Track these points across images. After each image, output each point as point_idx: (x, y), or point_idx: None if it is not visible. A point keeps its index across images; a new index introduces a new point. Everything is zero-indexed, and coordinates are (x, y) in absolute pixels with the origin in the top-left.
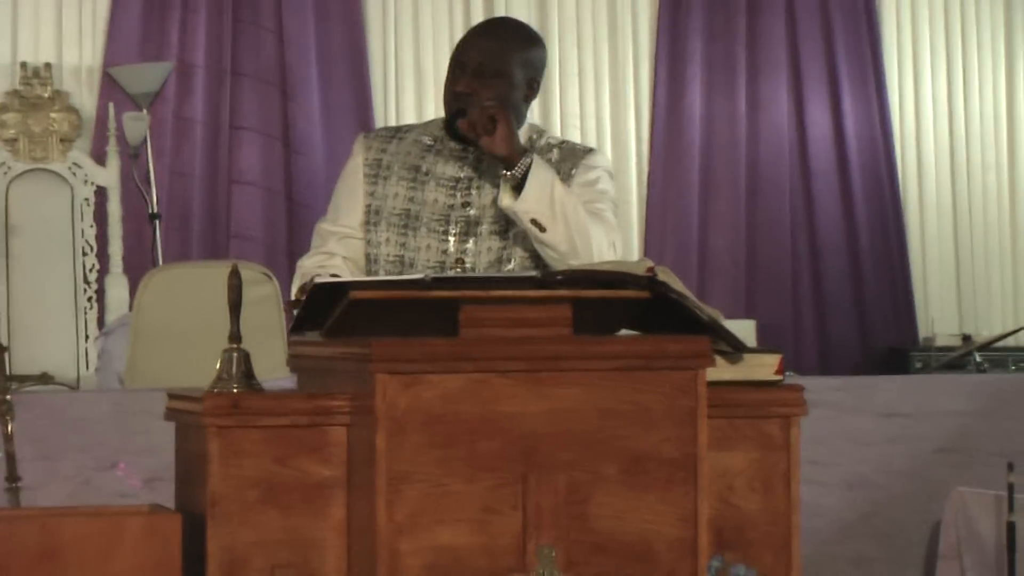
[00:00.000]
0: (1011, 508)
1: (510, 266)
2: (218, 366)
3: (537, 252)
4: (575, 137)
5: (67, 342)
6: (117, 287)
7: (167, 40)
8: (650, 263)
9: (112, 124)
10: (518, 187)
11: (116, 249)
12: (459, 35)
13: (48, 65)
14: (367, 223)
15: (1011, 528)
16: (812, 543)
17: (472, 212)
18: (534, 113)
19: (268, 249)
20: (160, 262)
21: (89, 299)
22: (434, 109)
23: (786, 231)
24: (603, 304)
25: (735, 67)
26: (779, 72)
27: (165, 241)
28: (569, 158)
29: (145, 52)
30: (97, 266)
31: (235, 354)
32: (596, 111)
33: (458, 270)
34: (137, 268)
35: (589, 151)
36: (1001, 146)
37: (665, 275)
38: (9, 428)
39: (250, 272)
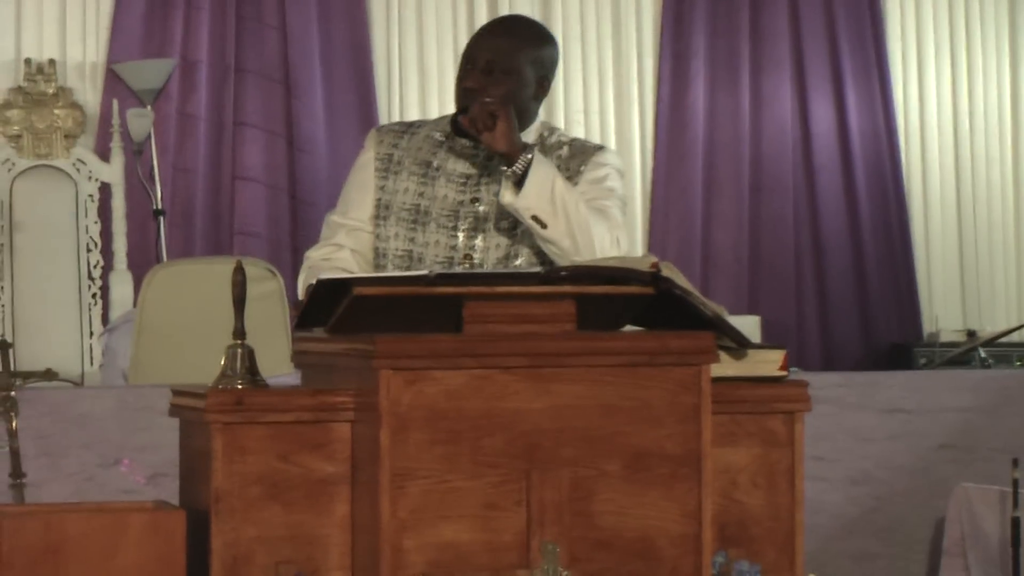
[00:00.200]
0: (1015, 504)
1: (518, 262)
2: (222, 362)
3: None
4: (579, 134)
5: (71, 338)
6: (121, 283)
7: (171, 37)
8: (654, 259)
9: (116, 120)
10: (519, 183)
11: (120, 245)
12: (463, 32)
13: (52, 61)
14: (377, 217)
15: (1015, 524)
16: (815, 539)
17: (481, 208)
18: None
19: (272, 245)
20: (164, 258)
21: (93, 295)
22: (438, 106)
23: (790, 227)
24: (607, 300)
25: (739, 63)
26: (783, 68)
27: (169, 237)
28: (579, 155)
29: (149, 48)
30: (101, 262)
31: (239, 350)
32: (600, 107)
33: (466, 266)
34: (141, 264)
35: (599, 148)
36: (1005, 141)
37: (669, 271)
38: (13, 424)
39: (254, 268)
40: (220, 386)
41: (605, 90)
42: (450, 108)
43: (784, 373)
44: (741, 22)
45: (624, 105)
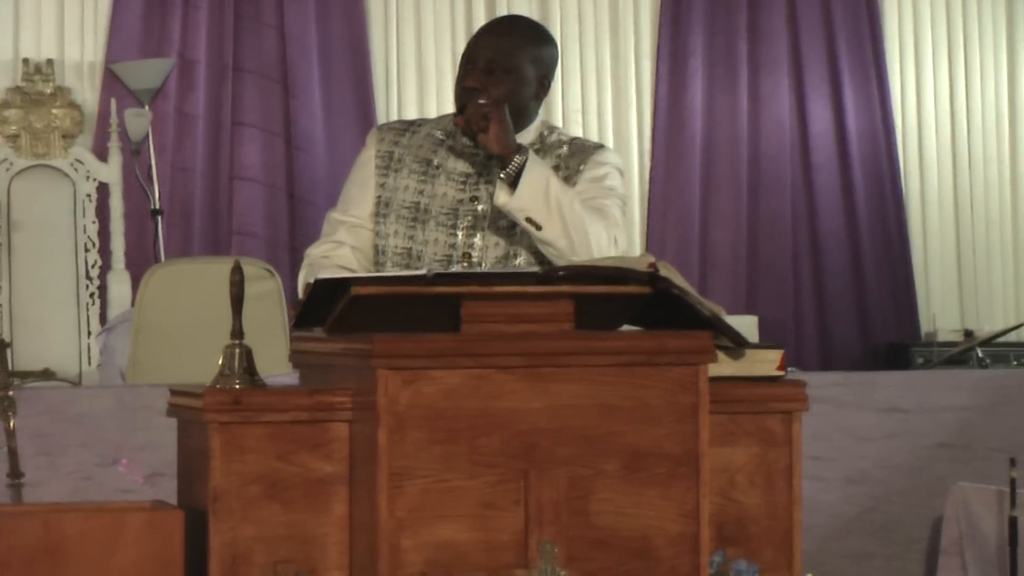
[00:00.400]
0: (1013, 503)
1: (517, 262)
2: (220, 362)
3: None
4: (577, 133)
5: (69, 338)
6: (119, 283)
7: (169, 36)
8: (652, 259)
9: (114, 120)
10: (514, 185)
11: (118, 245)
12: (461, 31)
13: (50, 61)
14: (377, 214)
15: (1013, 523)
16: (813, 539)
17: (480, 207)
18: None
19: (270, 245)
20: (162, 258)
21: (91, 295)
22: (436, 104)
23: (787, 226)
24: (604, 300)
25: (736, 62)
26: (780, 67)
27: (167, 237)
28: (578, 154)
29: (147, 48)
30: (99, 262)
31: (237, 350)
32: (598, 106)
33: (464, 264)
34: (139, 264)
35: (599, 147)
36: (1003, 140)
37: (667, 271)
38: (11, 424)
39: (252, 268)
40: (218, 386)
41: (603, 89)
42: (448, 107)
43: (782, 373)
44: (739, 21)
45: (622, 104)
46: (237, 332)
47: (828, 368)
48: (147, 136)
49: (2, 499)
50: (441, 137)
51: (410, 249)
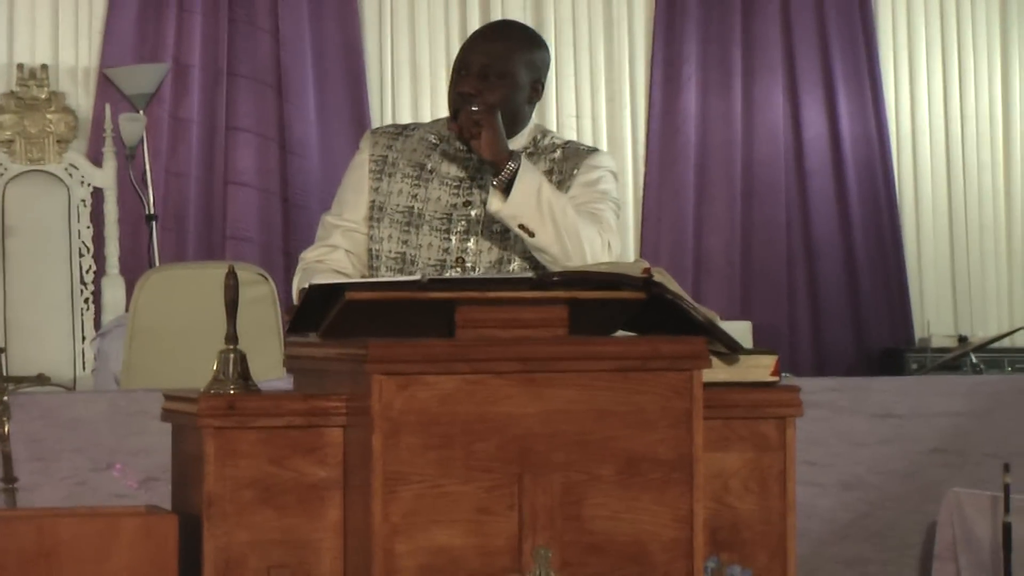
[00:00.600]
0: (1007, 509)
1: (512, 267)
2: (214, 367)
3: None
4: (571, 137)
5: (63, 343)
6: (113, 288)
7: (163, 41)
8: (646, 264)
9: (108, 125)
10: (507, 191)
11: (112, 250)
12: (455, 36)
13: (44, 66)
14: (371, 219)
15: (1007, 529)
16: (807, 544)
17: (474, 212)
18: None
19: (264, 250)
20: (156, 263)
21: (86, 300)
22: (430, 109)
23: (782, 232)
24: (599, 305)
25: (731, 68)
26: (775, 73)
27: (161, 242)
28: (572, 157)
29: (141, 53)
30: (94, 267)
31: (231, 355)
32: (592, 112)
33: (458, 269)
34: (134, 269)
35: (593, 151)
36: (997, 146)
37: (661, 276)
38: (5, 429)
39: (246, 273)
40: (212, 391)
41: (597, 95)
42: (442, 111)
43: (776, 378)
44: (733, 28)
45: (616, 110)
46: (231, 337)
47: (822, 374)
48: (141, 141)
49: None
50: (435, 141)
51: (404, 254)
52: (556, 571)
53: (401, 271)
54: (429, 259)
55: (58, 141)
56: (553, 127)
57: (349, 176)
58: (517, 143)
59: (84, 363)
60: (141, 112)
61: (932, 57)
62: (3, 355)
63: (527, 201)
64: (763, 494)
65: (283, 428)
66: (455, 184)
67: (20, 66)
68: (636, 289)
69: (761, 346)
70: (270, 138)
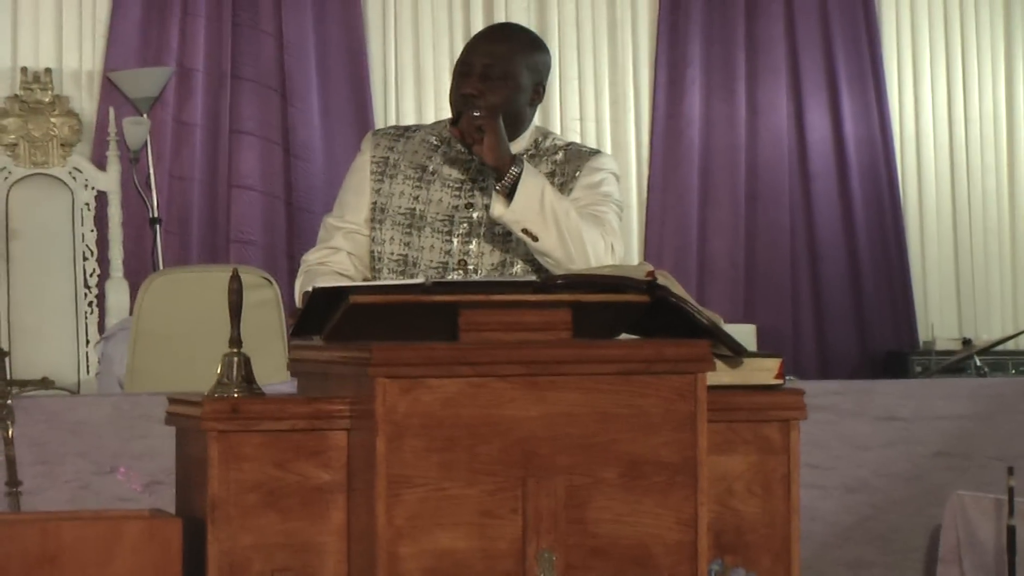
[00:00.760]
0: (1011, 512)
1: (514, 269)
2: (218, 370)
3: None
4: (573, 140)
5: (67, 347)
6: (117, 292)
7: (167, 44)
8: (650, 267)
9: (112, 129)
10: (510, 195)
11: (116, 254)
12: (459, 38)
13: (48, 70)
14: (372, 220)
15: (1011, 532)
16: (811, 547)
17: (476, 214)
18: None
19: (268, 253)
20: (160, 266)
21: (90, 304)
22: (433, 112)
23: (786, 235)
24: (603, 308)
25: (734, 71)
26: (778, 76)
27: (165, 245)
28: (574, 160)
29: (145, 56)
30: (97, 271)
31: (235, 358)
32: (596, 115)
33: (460, 272)
34: (137, 273)
35: (595, 153)
36: (1000, 149)
37: (665, 279)
38: (9, 432)
39: (250, 276)
40: (216, 394)
41: (601, 98)
42: (446, 113)
43: (780, 381)
44: (737, 30)
45: (620, 113)
46: (235, 340)
47: (826, 376)
48: (145, 144)
49: (0, 507)
50: (436, 143)
51: (406, 256)
52: (560, 574)
53: (403, 273)
54: (431, 261)
55: (62, 144)
56: (556, 130)
57: (350, 178)
58: (518, 145)
59: (88, 366)
60: (145, 116)
61: (936, 59)
62: (7, 358)
63: (530, 206)
64: (767, 497)
65: (287, 431)
66: (456, 186)
67: (24, 69)
68: (640, 292)
69: (765, 349)
70: (274, 141)
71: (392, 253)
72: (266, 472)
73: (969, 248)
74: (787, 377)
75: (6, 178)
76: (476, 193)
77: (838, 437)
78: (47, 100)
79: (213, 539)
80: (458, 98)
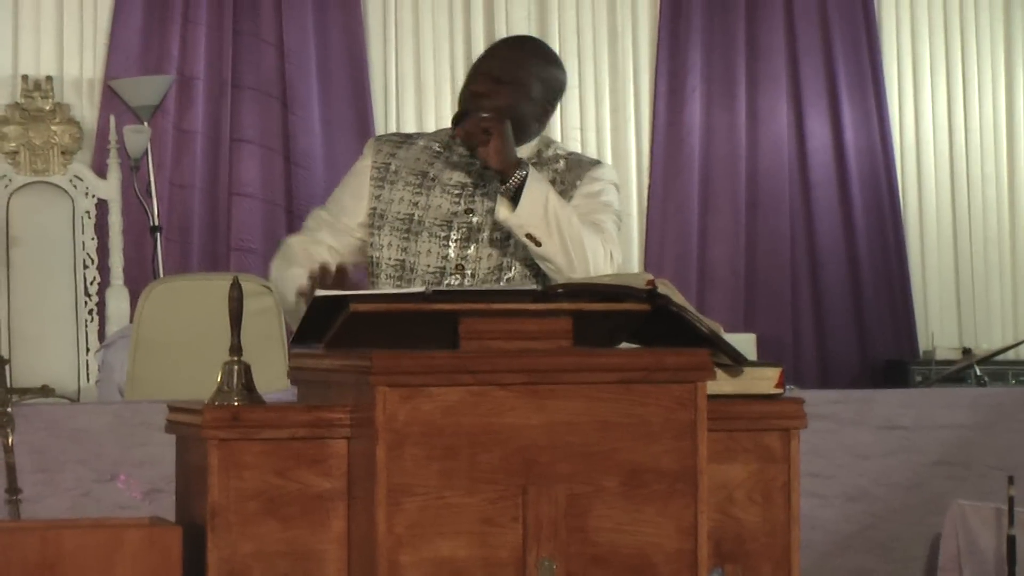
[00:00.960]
0: (1011, 521)
1: (511, 274)
2: (218, 378)
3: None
4: (575, 149)
5: (68, 354)
6: (118, 299)
7: (168, 53)
8: (649, 276)
9: (113, 136)
10: (514, 200)
11: (117, 261)
12: (460, 48)
13: (49, 78)
14: (371, 226)
15: (1011, 541)
16: (811, 555)
17: (475, 219)
18: None
19: (268, 261)
20: (161, 274)
21: (90, 311)
22: (434, 120)
23: (786, 243)
24: (603, 317)
25: (735, 79)
26: (779, 84)
27: (166, 253)
28: (575, 168)
29: (146, 65)
30: (98, 278)
31: (236, 366)
32: (596, 123)
33: (458, 276)
34: (138, 280)
35: (596, 163)
36: (1001, 158)
37: (665, 288)
38: (9, 440)
39: (250, 284)
40: (216, 402)
41: (601, 106)
42: (446, 122)
43: (780, 390)
44: (737, 39)
45: (620, 121)
46: (235, 348)
47: (826, 385)
48: (146, 152)
49: (0, 515)
50: (438, 149)
51: (403, 261)
52: None
53: (400, 278)
54: (428, 266)
55: (63, 152)
56: (557, 139)
57: (350, 180)
58: (522, 154)
59: (88, 374)
60: (146, 124)
61: (936, 68)
62: (7, 366)
63: (535, 211)
64: (767, 506)
65: (287, 439)
66: (456, 192)
67: (25, 77)
68: (640, 301)
69: (765, 358)
70: (274, 150)
71: (390, 259)
72: (266, 480)
73: (969, 257)
74: (787, 386)
75: (7, 186)
76: (476, 199)
77: (838, 446)
78: (48, 108)
79: (213, 547)
80: (467, 96)
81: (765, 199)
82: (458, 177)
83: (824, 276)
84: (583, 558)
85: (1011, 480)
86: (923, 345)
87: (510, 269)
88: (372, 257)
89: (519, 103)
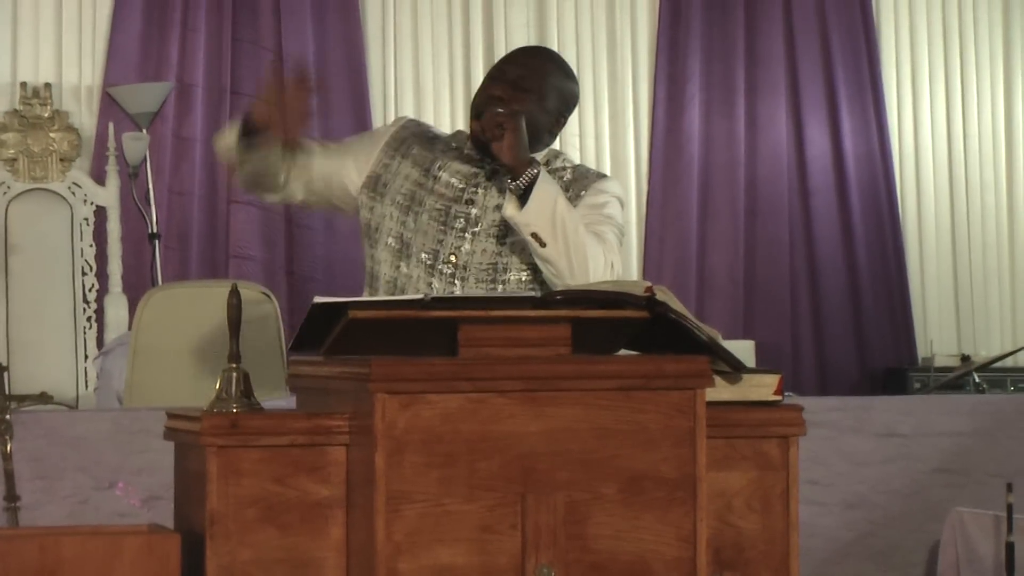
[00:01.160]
0: (1010, 529)
1: (507, 276)
2: (217, 385)
3: (533, 264)
4: (574, 156)
5: (66, 361)
6: (116, 307)
7: (166, 60)
8: (648, 283)
9: (112, 144)
10: (523, 198)
11: (115, 268)
12: (459, 55)
13: (48, 85)
14: (373, 193)
15: (1010, 549)
16: (810, 563)
17: (474, 211)
18: None
19: (267, 269)
20: (159, 282)
21: (88, 319)
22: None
23: (785, 251)
24: (602, 324)
25: (734, 87)
26: (778, 92)
27: (164, 260)
28: (581, 180)
29: (145, 72)
30: (96, 286)
31: (234, 373)
32: (595, 130)
33: (449, 266)
34: (136, 288)
35: (602, 176)
36: (1000, 165)
37: (664, 295)
38: (8, 447)
39: (249, 291)
40: (215, 409)
41: (600, 113)
42: (446, 128)
43: (779, 397)
44: (736, 46)
45: (619, 128)
46: (234, 356)
47: (825, 393)
48: (145, 160)
49: None
50: (454, 145)
51: (402, 235)
52: None
53: (400, 252)
54: (424, 246)
55: (61, 159)
56: (556, 146)
57: (370, 134)
58: None
59: (87, 381)
60: (144, 131)
61: (935, 75)
62: (6, 373)
63: (543, 212)
64: (766, 513)
65: (286, 447)
66: (460, 183)
67: (23, 84)
68: (639, 308)
69: (764, 365)
70: None
71: (391, 230)
72: (265, 487)
73: (968, 264)
74: (786, 393)
75: (5, 193)
76: (480, 192)
77: (837, 453)
78: (46, 115)
79: (212, 554)
80: (484, 99)
81: (764, 206)
82: (465, 169)
83: (823, 283)
84: (582, 565)
85: (1010, 487)
86: (922, 352)
87: (506, 270)
88: (372, 223)
89: (535, 112)
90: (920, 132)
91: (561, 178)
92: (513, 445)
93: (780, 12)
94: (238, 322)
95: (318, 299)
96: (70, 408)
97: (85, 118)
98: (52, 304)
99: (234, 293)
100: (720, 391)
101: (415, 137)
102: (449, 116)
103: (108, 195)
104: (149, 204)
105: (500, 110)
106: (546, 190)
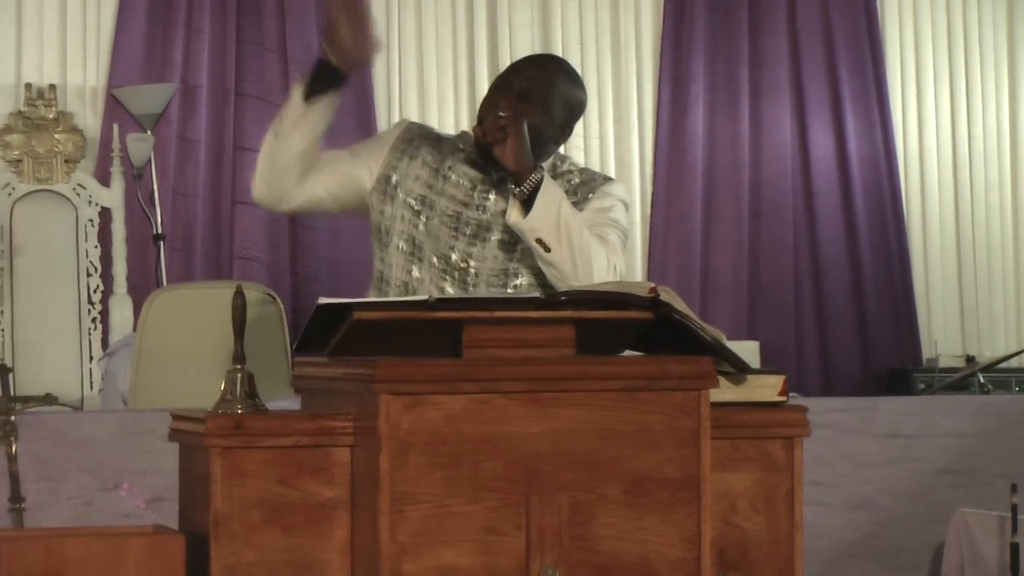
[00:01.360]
0: (1015, 529)
1: (517, 281)
2: (222, 386)
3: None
4: (577, 158)
5: (71, 363)
6: (121, 308)
7: (171, 61)
8: (652, 284)
9: (116, 145)
10: (527, 203)
11: (120, 270)
12: (463, 56)
13: (52, 86)
14: (383, 194)
15: (1015, 549)
16: (815, 564)
17: (485, 217)
18: None
19: (271, 270)
20: (164, 283)
21: (93, 320)
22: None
23: (789, 252)
24: (606, 325)
25: (738, 88)
26: (782, 93)
27: (169, 262)
28: (588, 183)
29: (149, 73)
30: (101, 287)
31: (239, 374)
32: (599, 132)
33: (460, 272)
34: (141, 289)
35: (608, 180)
36: (1004, 166)
37: (668, 296)
38: (13, 449)
39: (254, 293)
40: (220, 410)
41: (604, 115)
42: (449, 130)
43: (783, 398)
44: (740, 47)
45: (623, 130)
46: (239, 357)
47: (830, 394)
48: (149, 161)
49: (3, 524)
50: (461, 147)
51: (414, 238)
52: None
53: (411, 254)
54: (435, 249)
55: (66, 161)
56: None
57: (375, 139)
58: None
59: (91, 383)
60: (149, 132)
61: (940, 77)
62: (10, 375)
63: (547, 216)
64: (770, 514)
65: (290, 448)
66: (470, 186)
67: (28, 86)
68: (643, 309)
69: (768, 366)
70: None
71: (402, 233)
72: (269, 488)
73: (973, 265)
74: (790, 394)
75: (10, 194)
76: (489, 197)
77: (841, 454)
78: (51, 116)
79: (216, 555)
80: (489, 108)
81: (768, 207)
82: (473, 173)
83: (827, 284)
84: (586, 566)
85: (1014, 488)
86: (926, 353)
87: (517, 276)
88: (382, 226)
89: (541, 124)
90: (924, 133)
91: (569, 181)
92: (517, 446)
93: (784, 13)
94: (242, 323)
95: (322, 300)
96: (75, 409)
97: (89, 119)
98: (57, 305)
99: (238, 294)
100: (724, 392)
101: (422, 138)
102: (453, 118)
103: (113, 196)
104: (153, 205)
105: (502, 114)
106: (550, 195)
